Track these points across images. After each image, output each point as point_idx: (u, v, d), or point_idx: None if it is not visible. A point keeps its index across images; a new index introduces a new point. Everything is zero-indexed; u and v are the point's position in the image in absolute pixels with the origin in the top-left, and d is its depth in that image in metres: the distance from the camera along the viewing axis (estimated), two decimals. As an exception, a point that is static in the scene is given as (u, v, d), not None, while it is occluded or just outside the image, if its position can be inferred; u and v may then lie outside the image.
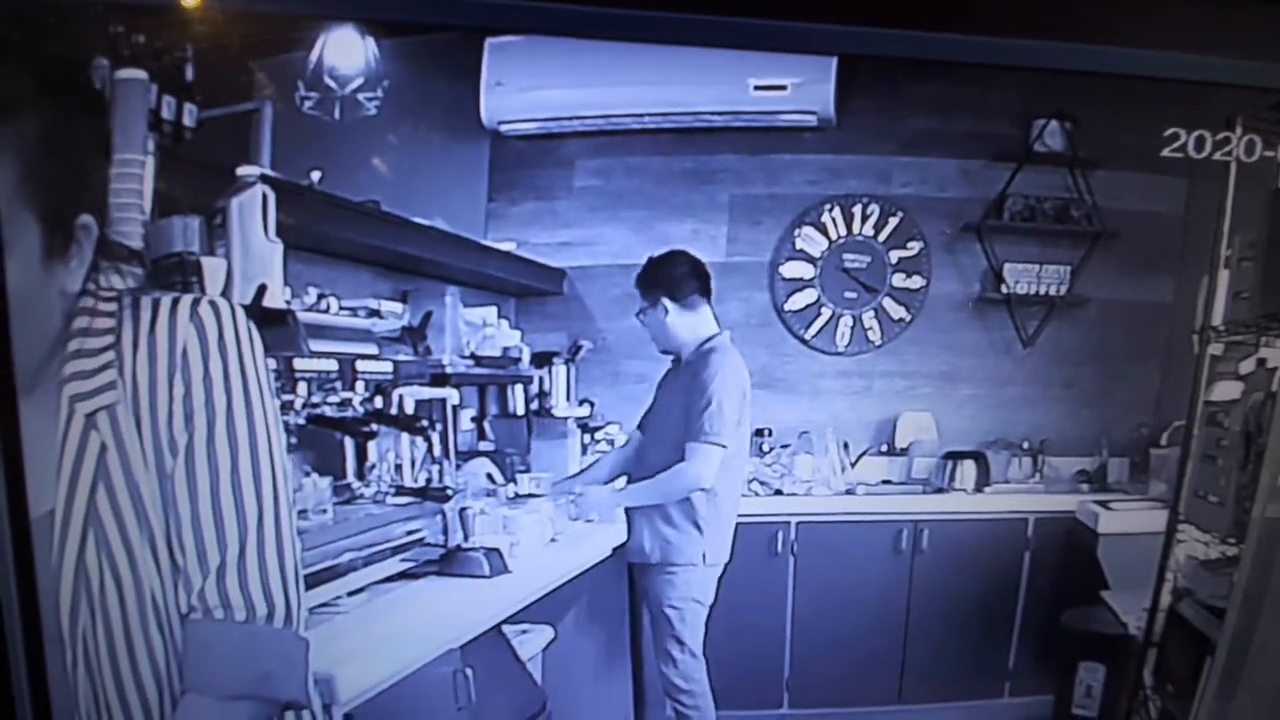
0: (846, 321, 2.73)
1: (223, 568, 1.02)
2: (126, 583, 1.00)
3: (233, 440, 1.01)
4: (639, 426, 2.47)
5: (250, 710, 1.02)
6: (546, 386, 2.54)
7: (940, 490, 2.52)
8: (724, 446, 2.29)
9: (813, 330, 2.71)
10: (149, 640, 1.02)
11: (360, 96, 1.82)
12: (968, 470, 2.66)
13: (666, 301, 2.34)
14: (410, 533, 1.88)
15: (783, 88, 2.41)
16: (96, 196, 1.01)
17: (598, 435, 2.53)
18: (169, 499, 1.01)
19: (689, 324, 2.35)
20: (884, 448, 2.72)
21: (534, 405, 2.50)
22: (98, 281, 0.99)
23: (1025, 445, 2.85)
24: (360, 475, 1.92)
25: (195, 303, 1.00)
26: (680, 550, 2.35)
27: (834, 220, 2.74)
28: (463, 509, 1.96)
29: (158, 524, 1.00)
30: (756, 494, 2.62)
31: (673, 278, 2.37)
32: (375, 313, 1.96)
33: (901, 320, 2.70)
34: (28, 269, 0.95)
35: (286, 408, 1.70)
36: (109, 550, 1.00)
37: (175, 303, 1.00)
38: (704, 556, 2.35)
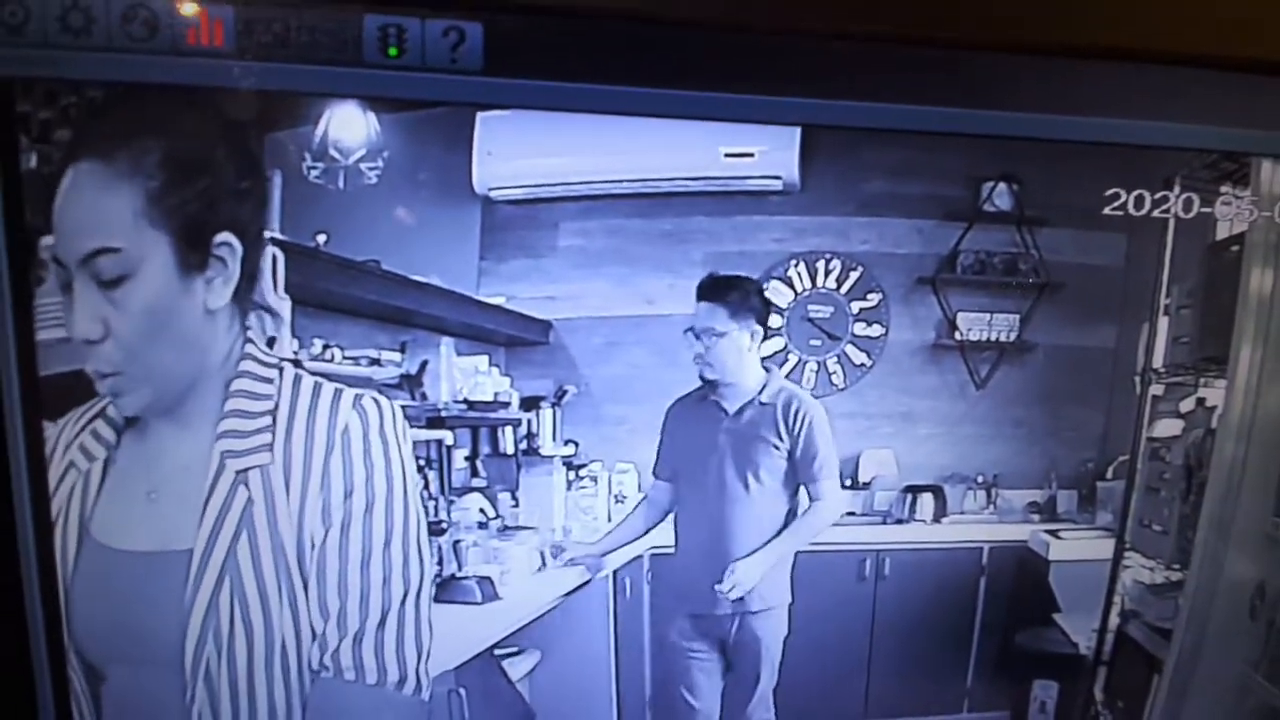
0: (812, 366, 2.76)
1: (361, 633, 1.04)
2: (257, 630, 1.03)
3: (389, 519, 1.04)
4: (666, 477, 2.26)
5: None
6: (534, 428, 2.57)
7: (901, 521, 2.56)
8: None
9: (781, 374, 2.74)
10: (271, 686, 1.05)
11: (362, 166, 1.85)
12: (926, 503, 2.71)
13: (758, 329, 2.18)
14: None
15: (750, 155, 2.46)
16: (240, 216, 1.04)
17: (581, 472, 2.57)
18: (315, 561, 1.03)
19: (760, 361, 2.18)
20: (848, 482, 2.72)
21: (523, 445, 2.53)
22: (256, 343, 1.02)
23: (979, 479, 2.88)
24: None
25: (359, 396, 1.04)
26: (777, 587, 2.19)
27: (799, 274, 2.78)
28: (456, 541, 1.99)
29: (298, 581, 1.03)
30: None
31: (770, 306, 2.22)
32: (375, 361, 2.01)
33: (863, 365, 2.74)
34: (162, 283, 0.98)
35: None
36: (243, 598, 1.02)
37: (339, 392, 1.04)
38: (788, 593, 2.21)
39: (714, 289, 2.23)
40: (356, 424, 1.04)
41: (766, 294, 2.31)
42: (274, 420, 1.05)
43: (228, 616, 1.02)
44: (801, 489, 2.17)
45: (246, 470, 1.03)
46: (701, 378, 2.20)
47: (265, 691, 1.04)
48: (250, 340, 1.08)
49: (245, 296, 1.10)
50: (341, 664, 1.03)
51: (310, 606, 1.04)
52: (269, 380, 1.07)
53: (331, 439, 1.04)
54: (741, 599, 2.14)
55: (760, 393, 2.20)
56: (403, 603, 1.06)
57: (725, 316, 2.19)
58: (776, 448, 2.17)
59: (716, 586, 2.11)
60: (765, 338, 2.22)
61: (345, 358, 1.95)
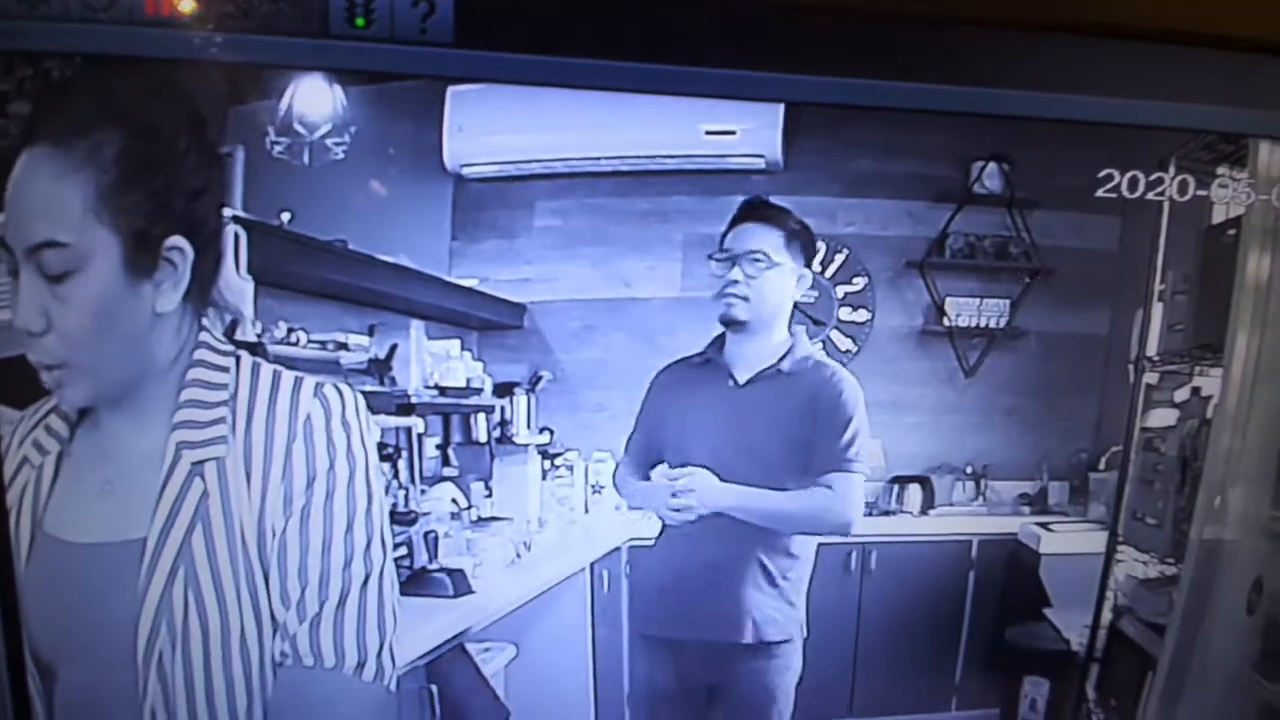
0: (796, 352, 2.73)
1: (319, 616, 1.04)
2: (213, 621, 1.03)
3: (350, 504, 1.05)
4: (642, 463, 1.99)
5: None
6: (508, 415, 2.56)
7: (887, 513, 2.56)
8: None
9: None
10: (230, 676, 1.05)
11: (328, 142, 1.84)
12: (913, 494, 2.71)
13: (806, 273, 1.91)
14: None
15: (732, 133, 2.45)
16: (193, 219, 1.05)
17: (557, 461, 2.56)
18: (275, 549, 1.04)
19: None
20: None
21: (496, 433, 2.52)
22: (211, 331, 1.03)
23: (969, 470, 2.89)
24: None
25: (320, 385, 1.05)
26: (780, 622, 1.95)
27: (783, 257, 2.76)
28: (428, 532, 1.99)
29: (258, 571, 1.04)
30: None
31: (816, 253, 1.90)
32: (343, 345, 2.00)
33: (849, 351, 2.73)
34: (108, 281, 0.98)
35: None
36: (197, 588, 1.03)
37: (299, 381, 1.05)
38: (802, 627, 1.98)
39: (766, 209, 1.92)
40: (319, 412, 1.05)
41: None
42: (232, 410, 1.05)
43: (181, 608, 1.03)
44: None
45: (203, 462, 1.04)
46: (728, 320, 1.92)
47: (224, 684, 1.05)
48: (205, 328, 1.09)
49: (197, 296, 1.10)
50: (300, 649, 1.04)
51: (271, 595, 1.05)
52: (225, 369, 1.07)
53: (293, 429, 1.04)
54: (751, 629, 1.92)
55: (782, 360, 1.92)
56: (364, 586, 1.06)
57: (780, 242, 1.90)
58: (795, 429, 1.91)
59: (668, 482, 1.86)
60: (810, 287, 1.93)
61: (311, 341, 1.94)
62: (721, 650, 1.93)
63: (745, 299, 1.88)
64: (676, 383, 1.97)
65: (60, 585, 1.08)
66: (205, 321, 1.09)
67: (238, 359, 1.09)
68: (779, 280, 1.88)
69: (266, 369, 1.08)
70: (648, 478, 1.95)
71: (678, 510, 1.86)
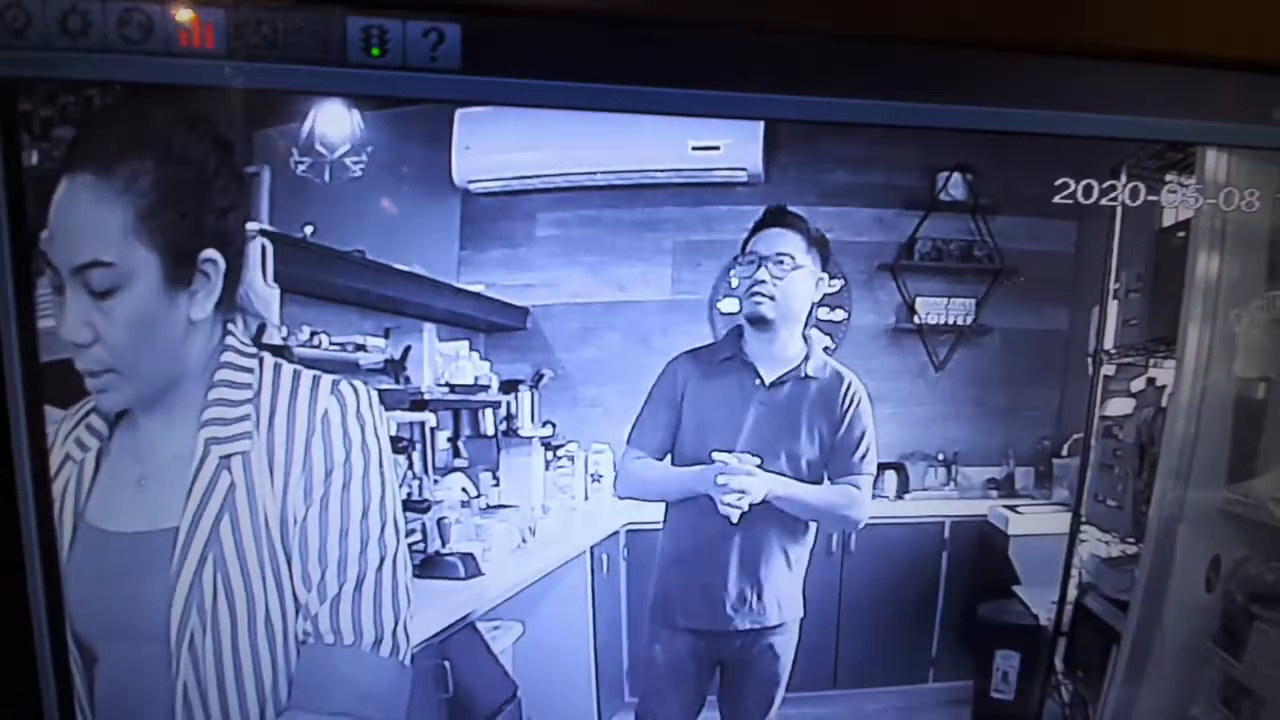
0: (776, 350, 2.75)
1: (339, 597, 1.07)
2: (240, 603, 1.05)
3: (366, 493, 1.07)
4: (654, 450, 1.96)
5: None
6: (513, 410, 2.58)
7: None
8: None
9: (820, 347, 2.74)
10: (257, 655, 1.07)
11: (347, 161, 1.86)
12: (889, 480, 2.75)
13: (824, 276, 1.95)
14: (400, 542, 1.92)
15: (716, 148, 2.46)
16: (224, 233, 1.06)
17: (559, 452, 2.59)
18: (297, 536, 1.05)
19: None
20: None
21: (503, 427, 2.54)
22: (236, 334, 1.04)
23: (940, 457, 2.93)
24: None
25: (336, 382, 1.06)
26: (795, 602, 1.98)
27: (765, 263, 2.77)
28: (440, 519, 2.00)
29: (281, 556, 1.05)
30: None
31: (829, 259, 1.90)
32: (361, 347, 2.03)
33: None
34: (149, 296, 1.00)
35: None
36: (225, 573, 1.05)
37: (317, 379, 1.07)
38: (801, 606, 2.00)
39: (789, 215, 1.97)
40: (335, 408, 1.07)
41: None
42: (256, 408, 1.08)
43: (210, 590, 1.05)
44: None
45: (230, 456, 1.06)
46: (756, 317, 1.92)
47: (250, 660, 1.07)
48: (230, 333, 1.10)
49: (227, 304, 1.11)
50: (320, 628, 1.06)
51: (294, 578, 1.07)
52: (249, 370, 1.10)
53: (312, 423, 1.07)
54: (760, 613, 1.94)
55: (804, 364, 1.94)
56: (379, 569, 1.09)
57: (802, 245, 1.94)
58: (817, 432, 1.93)
59: (718, 478, 1.81)
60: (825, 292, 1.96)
61: (332, 343, 1.98)
62: (744, 632, 1.97)
63: (772, 298, 1.90)
64: (698, 373, 1.96)
65: (100, 571, 1.10)
66: (231, 326, 1.11)
67: (261, 360, 1.11)
68: (802, 282, 1.91)
69: (288, 369, 1.10)
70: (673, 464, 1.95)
71: (738, 495, 1.83)
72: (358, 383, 1.11)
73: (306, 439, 1.07)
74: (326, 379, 1.10)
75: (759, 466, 1.85)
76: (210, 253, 1.07)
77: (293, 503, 1.07)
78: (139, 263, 1.04)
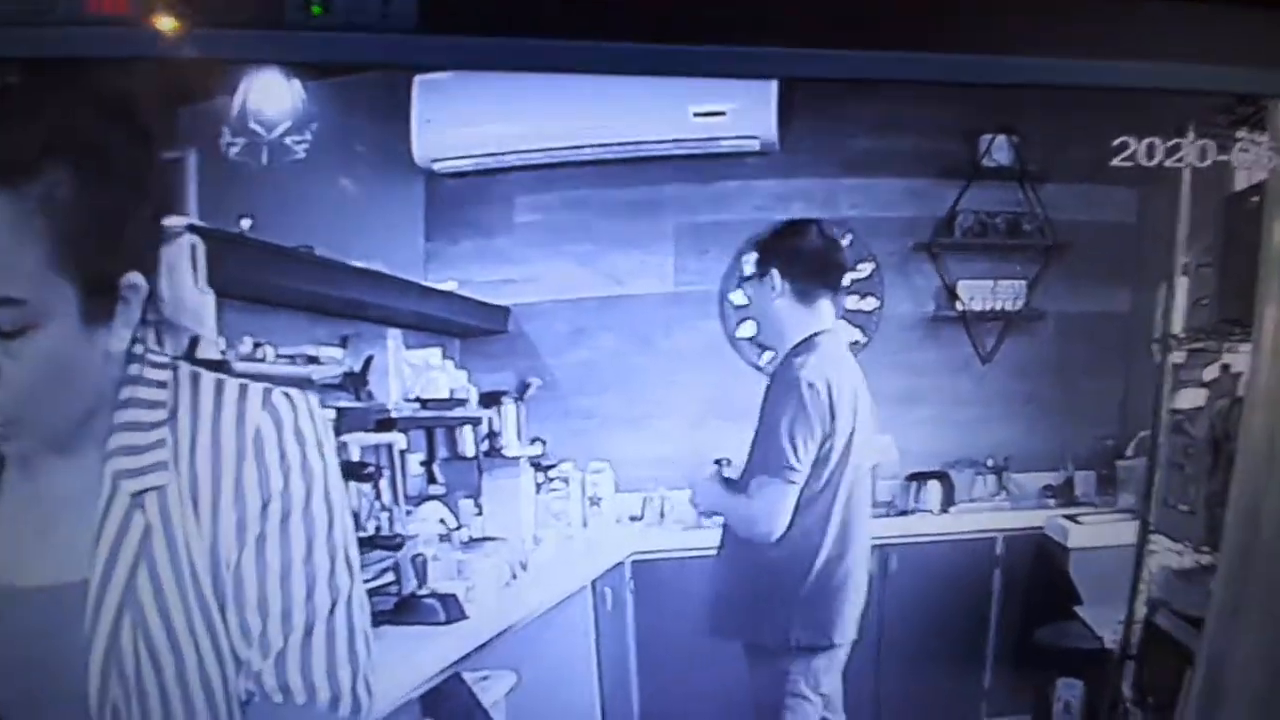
0: (803, 347, 2.72)
1: (284, 651, 1.01)
2: (166, 665, 0.99)
3: (310, 526, 1.02)
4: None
5: None
6: (496, 427, 2.54)
7: (905, 513, 2.56)
8: (793, 483, 2.03)
9: (767, 358, 2.72)
10: None
11: (288, 140, 1.83)
12: (932, 491, 2.67)
13: (777, 276, 2.08)
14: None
15: (722, 114, 2.45)
16: (143, 252, 1.02)
17: (550, 474, 2.53)
18: (231, 583, 1.01)
19: (797, 316, 2.08)
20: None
21: (484, 446, 2.49)
22: (145, 343, 1.00)
23: (989, 463, 2.87)
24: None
25: (268, 392, 1.02)
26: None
27: (784, 244, 2.74)
28: (415, 555, 1.98)
29: (213, 606, 1.01)
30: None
31: (798, 251, 2.09)
32: (314, 359, 1.99)
33: (857, 343, 2.71)
34: (65, 333, 0.96)
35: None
36: (147, 633, 0.99)
37: (244, 389, 1.02)
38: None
39: (757, 241, 2.19)
40: (269, 425, 1.01)
41: (791, 236, 2.21)
42: (173, 431, 1.02)
43: (132, 656, 1.00)
44: None
45: (143, 492, 1.01)
46: None
47: None
48: (138, 339, 1.06)
49: (141, 323, 1.08)
50: (265, 687, 1.02)
51: (231, 633, 1.03)
52: (162, 385, 1.04)
53: (242, 446, 1.00)
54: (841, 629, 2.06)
55: (785, 354, 2.18)
56: (330, 614, 1.03)
57: (753, 262, 2.18)
58: (763, 418, 2.17)
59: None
60: (796, 287, 2.13)
61: (279, 356, 1.91)
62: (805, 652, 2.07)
63: (754, 319, 2.17)
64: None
65: (7, 631, 1.06)
66: (140, 334, 1.06)
67: (176, 372, 1.05)
68: (757, 297, 2.16)
69: (208, 380, 1.04)
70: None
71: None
72: (294, 391, 1.04)
73: (237, 465, 1.01)
74: (256, 389, 1.04)
75: None
76: (133, 277, 1.02)
77: (224, 544, 1.03)
78: (54, 297, 1.00)
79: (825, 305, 2.08)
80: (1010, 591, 2.64)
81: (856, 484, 2.06)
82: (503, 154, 2.54)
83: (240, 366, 1.79)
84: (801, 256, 2.09)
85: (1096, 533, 2.53)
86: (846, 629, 2.07)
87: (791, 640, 2.03)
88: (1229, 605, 1.96)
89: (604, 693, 2.34)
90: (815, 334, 2.08)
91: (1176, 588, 2.17)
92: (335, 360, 2.03)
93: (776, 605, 2.05)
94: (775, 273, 2.08)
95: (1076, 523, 2.59)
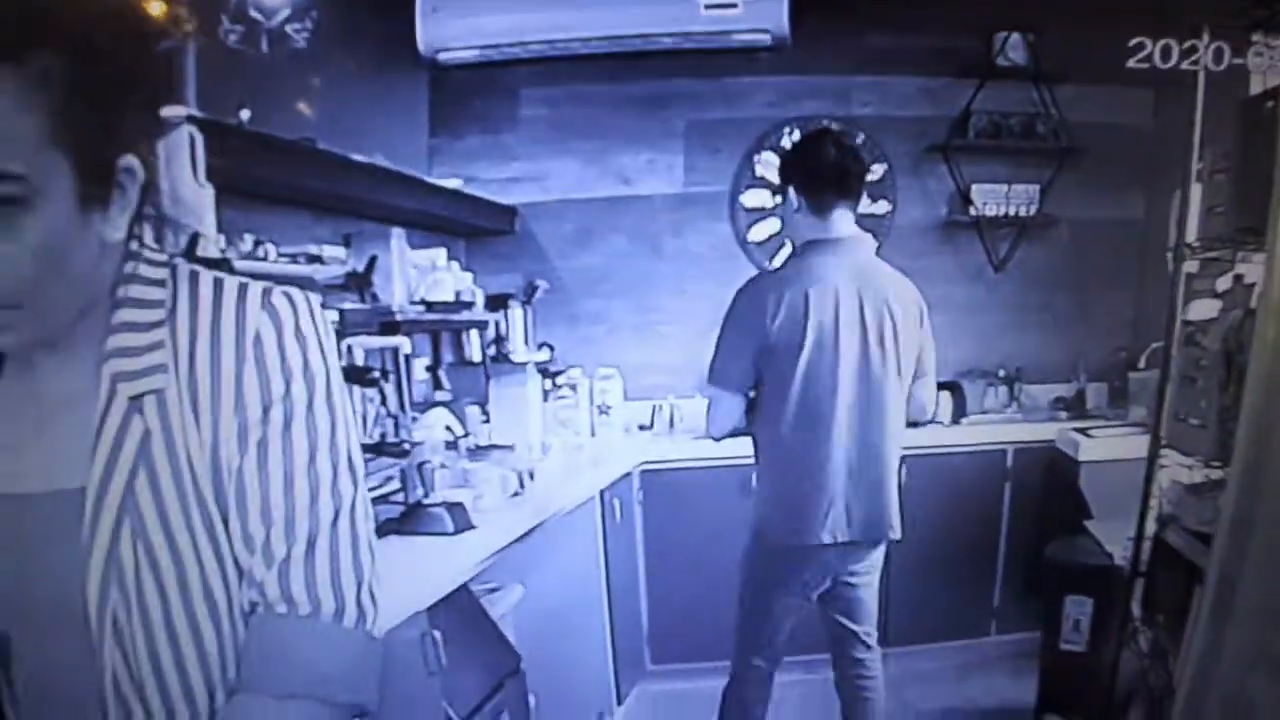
0: (812, 250, 2.67)
1: (287, 561, 0.98)
2: (168, 574, 0.96)
3: (312, 432, 0.98)
4: None
5: (307, 712, 0.99)
6: (503, 331, 2.49)
7: (915, 424, 2.53)
8: (719, 387, 1.98)
9: (777, 262, 2.66)
10: (197, 633, 0.99)
11: (288, 28, 1.79)
12: (943, 402, 2.63)
13: (793, 193, 2.05)
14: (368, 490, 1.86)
15: (734, 5, 2.39)
16: (140, 137, 0.97)
17: (559, 380, 2.48)
18: (233, 490, 0.98)
19: (809, 226, 2.04)
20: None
21: (491, 351, 2.45)
22: (142, 239, 0.96)
23: (1001, 374, 2.89)
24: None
25: (267, 291, 0.96)
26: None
27: (795, 144, 2.69)
28: (422, 463, 1.92)
29: (215, 514, 0.98)
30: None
31: (807, 167, 2.04)
32: (316, 258, 1.92)
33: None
34: (61, 216, 0.91)
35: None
36: (146, 541, 0.95)
37: (244, 289, 0.97)
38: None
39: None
40: (269, 327, 0.96)
41: (804, 150, 2.15)
42: (172, 330, 0.97)
43: (131, 562, 0.96)
44: None
45: (141, 395, 0.96)
46: None
47: (190, 640, 0.98)
48: (135, 235, 1.00)
49: (138, 218, 1.01)
50: (269, 596, 0.98)
51: (233, 541, 1.00)
52: (160, 283, 0.98)
53: (242, 349, 0.95)
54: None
55: None
56: (334, 523, 0.99)
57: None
58: None
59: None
60: (811, 202, 2.06)
61: (281, 255, 1.84)
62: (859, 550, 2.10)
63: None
64: None
65: (4, 541, 1.02)
66: (138, 229, 1.00)
67: (174, 270, 0.99)
68: (784, 212, 2.11)
69: (206, 278, 0.98)
70: None
71: None
72: (294, 291, 0.99)
73: (237, 369, 0.95)
74: (255, 288, 0.98)
75: None
76: (129, 160, 0.96)
77: (225, 449, 0.98)
78: (51, 175, 0.94)
79: (839, 215, 2.01)
80: (1020, 505, 2.64)
81: (855, 392, 2.04)
82: (509, 45, 2.48)
83: (241, 265, 1.72)
84: (819, 172, 2.02)
85: (1108, 446, 2.50)
86: (831, 529, 2.05)
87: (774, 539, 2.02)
88: (1239, 521, 1.93)
89: (612, 605, 2.32)
90: (812, 241, 2.05)
91: (1187, 503, 2.14)
92: (338, 260, 1.96)
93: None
94: (792, 190, 2.04)
95: (1088, 436, 2.56)
